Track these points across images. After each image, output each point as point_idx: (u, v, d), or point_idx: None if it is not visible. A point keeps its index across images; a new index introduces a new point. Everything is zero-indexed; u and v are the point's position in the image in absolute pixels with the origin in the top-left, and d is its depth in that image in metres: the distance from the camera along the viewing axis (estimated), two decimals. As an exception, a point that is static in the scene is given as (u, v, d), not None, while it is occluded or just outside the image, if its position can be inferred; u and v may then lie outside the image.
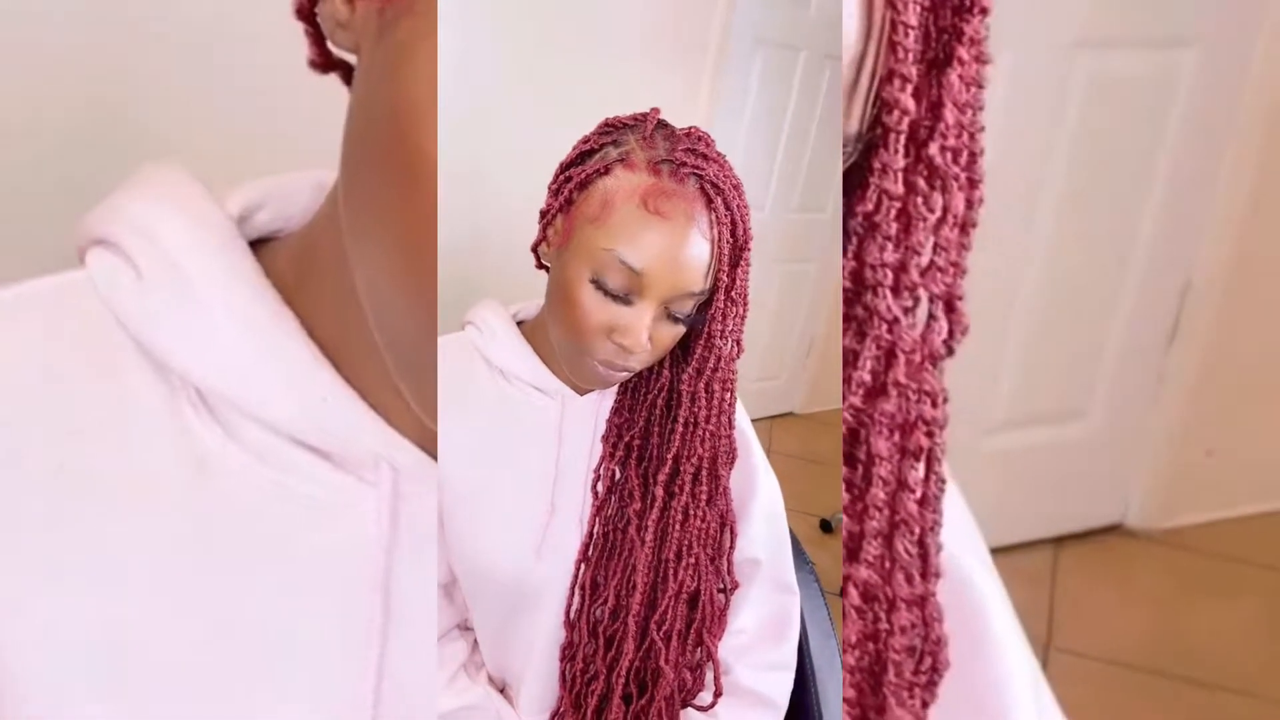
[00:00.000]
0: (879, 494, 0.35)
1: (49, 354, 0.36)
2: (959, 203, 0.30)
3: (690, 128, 0.58)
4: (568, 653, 0.66)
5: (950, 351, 0.38)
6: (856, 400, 0.35)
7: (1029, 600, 1.49)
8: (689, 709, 0.69)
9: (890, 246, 0.30)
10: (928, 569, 0.38)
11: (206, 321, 0.35)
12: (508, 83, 1.16)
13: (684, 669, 0.66)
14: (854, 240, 0.33)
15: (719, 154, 0.57)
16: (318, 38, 0.35)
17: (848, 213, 0.33)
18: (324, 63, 0.36)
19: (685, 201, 0.54)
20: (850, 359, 0.35)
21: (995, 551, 1.57)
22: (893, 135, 0.28)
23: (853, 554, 0.37)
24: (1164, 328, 1.54)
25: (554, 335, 0.62)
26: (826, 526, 1.95)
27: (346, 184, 0.31)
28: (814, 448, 2.42)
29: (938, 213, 0.30)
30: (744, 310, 0.61)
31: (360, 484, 0.38)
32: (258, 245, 0.39)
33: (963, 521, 0.46)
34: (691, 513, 0.62)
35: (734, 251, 0.56)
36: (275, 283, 0.37)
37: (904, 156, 0.28)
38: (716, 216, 0.54)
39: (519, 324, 0.69)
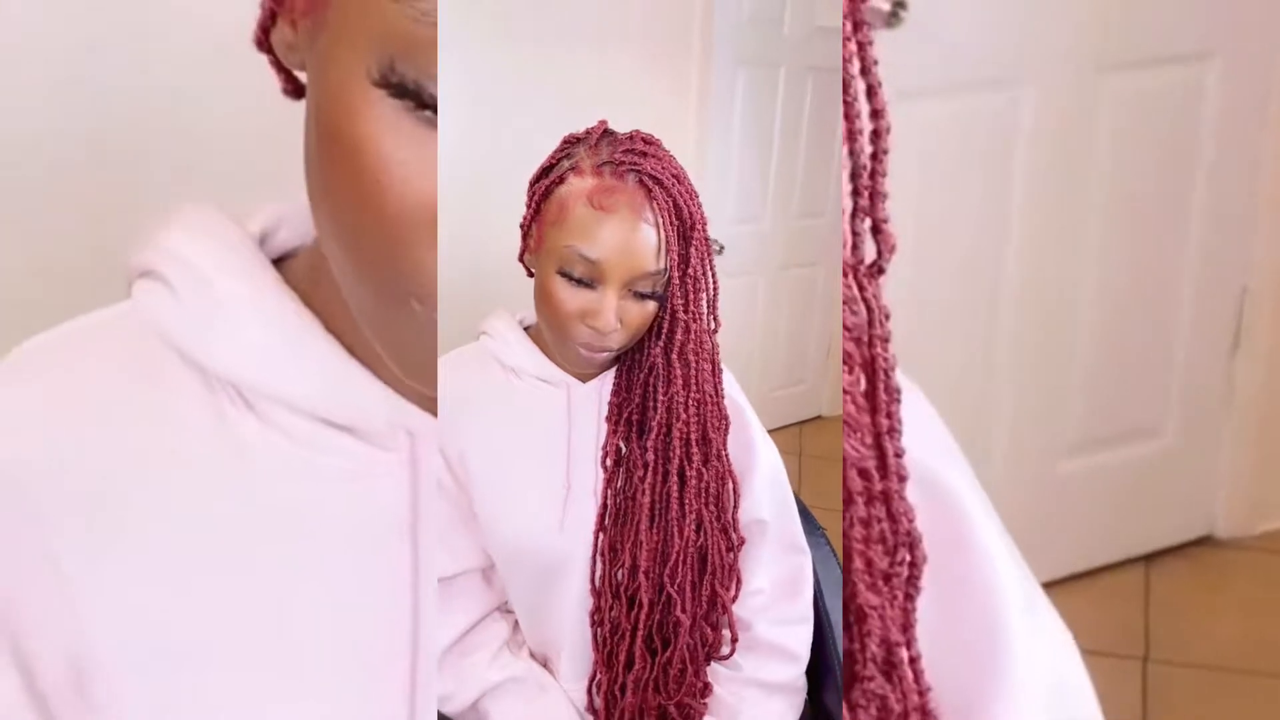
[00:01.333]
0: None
1: (109, 373, 0.41)
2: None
3: (634, 131, 0.64)
4: (596, 617, 0.69)
5: (881, 270, 0.41)
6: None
7: (1124, 618, 1.46)
8: (715, 665, 0.72)
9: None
10: (886, 468, 0.40)
11: (236, 327, 0.40)
12: (510, 109, 1.24)
13: (703, 623, 0.69)
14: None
15: (660, 151, 0.63)
16: (280, 65, 0.38)
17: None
18: (294, 89, 0.40)
19: (627, 195, 0.60)
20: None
21: (1086, 574, 1.55)
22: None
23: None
24: (1226, 335, 1.49)
25: (544, 330, 0.68)
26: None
27: (306, 178, 0.35)
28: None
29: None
30: (708, 286, 0.66)
31: (383, 452, 0.42)
32: (282, 260, 0.44)
33: (942, 439, 0.47)
34: (688, 474, 0.66)
35: (682, 231, 0.62)
36: (295, 289, 0.41)
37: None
38: (658, 204, 0.60)
39: (525, 329, 0.74)
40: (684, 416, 0.66)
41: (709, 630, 0.71)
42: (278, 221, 0.44)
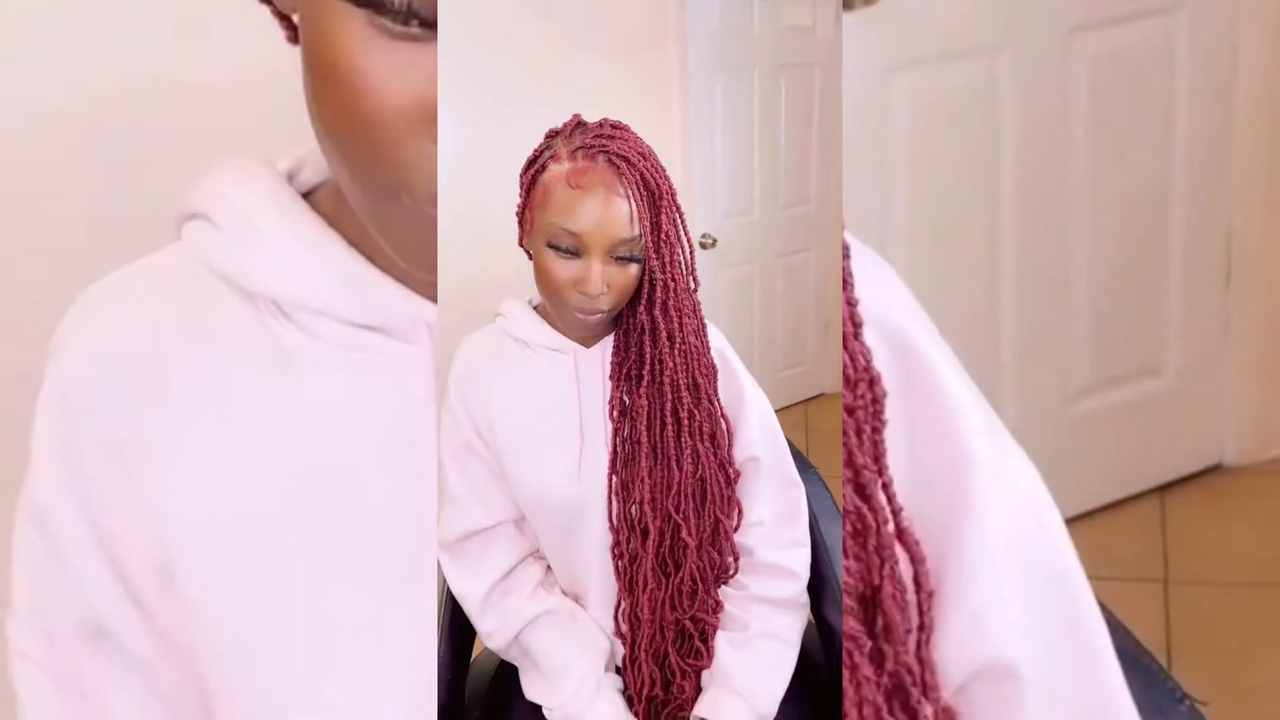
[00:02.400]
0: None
1: (164, 303, 0.46)
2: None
3: (603, 119, 0.71)
4: (616, 551, 0.77)
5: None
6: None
7: (1143, 544, 1.51)
8: (724, 586, 0.79)
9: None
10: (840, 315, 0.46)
11: (272, 249, 0.44)
12: (512, 122, 1.33)
13: (709, 548, 0.76)
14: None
15: (627, 134, 0.70)
16: (279, 13, 0.43)
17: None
18: (295, 35, 0.42)
19: (599, 173, 0.67)
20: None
21: (1105, 508, 1.55)
22: None
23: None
24: (1218, 273, 1.53)
25: (545, 302, 0.75)
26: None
27: (306, 102, 0.39)
28: (850, 420, 2.48)
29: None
30: (684, 249, 0.73)
31: (408, 347, 0.46)
32: (309, 194, 0.49)
33: (896, 293, 0.48)
34: (681, 416, 0.73)
35: (651, 200, 0.69)
36: (321, 215, 0.46)
37: None
38: (626, 178, 0.67)
39: (535, 308, 0.82)
40: (671, 365, 0.73)
41: (715, 554, 0.77)
42: (302, 161, 0.50)
